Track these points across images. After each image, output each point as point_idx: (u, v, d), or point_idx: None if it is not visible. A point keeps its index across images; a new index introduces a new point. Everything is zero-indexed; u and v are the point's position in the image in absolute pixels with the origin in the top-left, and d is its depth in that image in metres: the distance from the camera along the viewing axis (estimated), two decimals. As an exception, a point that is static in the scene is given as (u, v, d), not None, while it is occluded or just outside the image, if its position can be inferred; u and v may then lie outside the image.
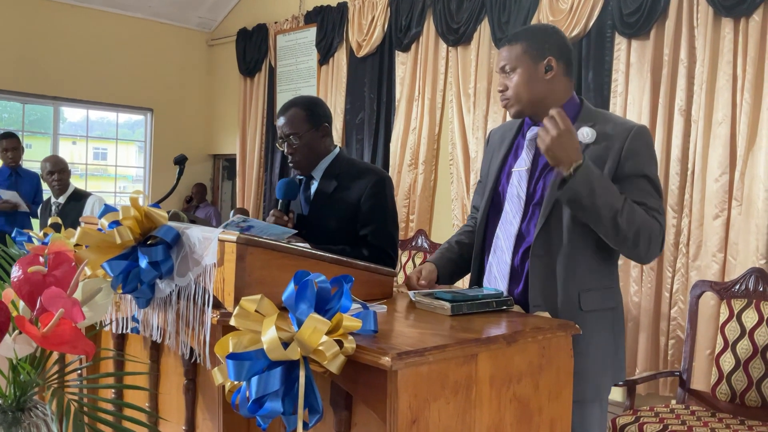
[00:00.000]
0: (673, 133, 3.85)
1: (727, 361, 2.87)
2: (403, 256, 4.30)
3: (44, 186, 4.95)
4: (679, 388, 3.09)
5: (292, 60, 6.50)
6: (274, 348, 1.15)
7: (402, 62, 5.48)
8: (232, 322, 1.22)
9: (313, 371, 1.19)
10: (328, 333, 1.18)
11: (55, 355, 1.26)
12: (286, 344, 1.16)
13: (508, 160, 2.01)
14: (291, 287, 1.22)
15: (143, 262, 1.50)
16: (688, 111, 3.81)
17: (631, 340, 3.90)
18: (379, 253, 2.22)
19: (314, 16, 6.24)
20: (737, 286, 2.96)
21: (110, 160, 7.85)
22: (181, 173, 2.28)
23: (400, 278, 4.05)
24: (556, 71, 1.89)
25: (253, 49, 6.91)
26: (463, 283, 2.51)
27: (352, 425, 1.34)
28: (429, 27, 5.26)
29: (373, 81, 5.70)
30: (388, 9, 5.54)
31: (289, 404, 1.17)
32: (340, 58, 6.00)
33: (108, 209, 1.60)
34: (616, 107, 4.10)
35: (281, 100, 6.44)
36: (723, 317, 2.96)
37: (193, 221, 1.95)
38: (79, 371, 1.56)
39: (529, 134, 1.96)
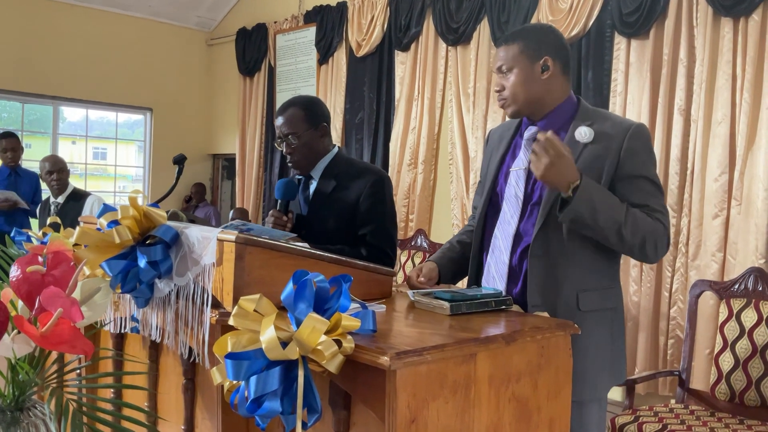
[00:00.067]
0: (672, 132, 3.85)
1: (727, 361, 2.87)
2: (403, 256, 4.30)
3: (43, 186, 4.95)
4: (678, 388, 3.09)
5: (292, 59, 6.50)
6: (272, 347, 1.15)
7: (401, 62, 5.48)
8: (231, 321, 1.22)
9: (311, 371, 1.19)
10: (327, 332, 1.17)
11: (53, 355, 1.26)
12: (284, 344, 1.16)
13: (506, 160, 2.01)
14: (290, 287, 1.22)
15: (142, 262, 1.50)
16: (688, 110, 3.81)
17: (630, 340, 3.90)
18: (377, 253, 2.22)
19: (314, 16, 6.24)
20: (736, 286, 2.97)
21: (110, 159, 7.85)
22: (180, 173, 2.28)
23: (400, 278, 4.05)
24: (552, 71, 1.89)
25: (253, 48, 6.91)
26: (463, 283, 2.51)
27: (350, 425, 1.34)
28: (428, 26, 5.26)
29: (372, 80, 5.70)
30: (388, 8, 5.54)
31: (288, 404, 1.17)
32: (340, 57, 6.00)
33: (107, 209, 1.60)
34: (615, 107, 4.10)
35: (281, 100, 6.44)
36: (722, 317, 2.96)
37: (192, 221, 1.95)
38: (78, 371, 1.55)
39: (527, 134, 1.96)
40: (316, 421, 1.21)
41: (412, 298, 1.67)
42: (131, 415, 1.46)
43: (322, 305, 1.21)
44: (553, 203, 1.81)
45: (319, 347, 1.16)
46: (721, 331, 2.94)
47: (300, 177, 2.40)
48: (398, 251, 4.14)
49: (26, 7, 6.43)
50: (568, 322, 1.56)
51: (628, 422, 2.72)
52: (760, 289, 2.89)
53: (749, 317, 2.86)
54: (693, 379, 3.30)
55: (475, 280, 2.04)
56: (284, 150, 2.33)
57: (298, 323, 1.18)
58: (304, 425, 1.18)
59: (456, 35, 5.01)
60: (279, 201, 2.30)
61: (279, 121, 2.33)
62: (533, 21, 4.46)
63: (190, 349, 1.52)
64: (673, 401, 3.13)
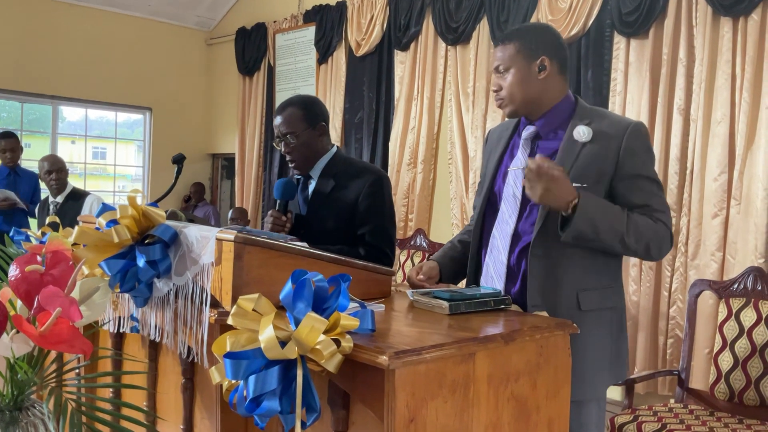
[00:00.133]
0: (671, 132, 3.85)
1: (726, 360, 2.87)
2: (402, 256, 4.30)
3: (42, 185, 4.95)
4: (677, 387, 3.09)
5: (291, 59, 6.50)
6: (271, 347, 1.15)
7: (401, 61, 5.47)
8: (230, 321, 1.22)
9: (310, 370, 1.19)
10: (326, 332, 1.17)
11: (52, 354, 1.26)
12: (283, 343, 1.16)
13: (504, 160, 2.01)
14: (288, 286, 1.22)
15: (141, 261, 1.50)
16: (687, 110, 3.81)
17: (629, 340, 3.87)
18: (376, 253, 2.22)
19: (313, 15, 6.23)
20: (736, 285, 2.97)
21: (109, 159, 7.85)
22: (179, 172, 2.27)
23: (399, 277, 4.05)
24: (549, 70, 1.89)
25: (252, 48, 6.91)
26: (463, 283, 2.51)
27: (349, 424, 1.34)
28: (428, 26, 5.26)
29: (372, 80, 5.70)
30: (387, 8, 5.53)
31: (287, 403, 1.17)
32: (339, 57, 5.99)
33: (106, 208, 1.60)
34: (614, 106, 4.10)
35: (280, 99, 6.43)
36: (721, 316, 2.96)
37: (191, 220, 1.95)
38: (76, 370, 1.55)
39: (524, 133, 1.96)
40: (314, 420, 1.20)
41: (411, 298, 1.67)
42: (130, 414, 1.46)
43: (321, 305, 1.21)
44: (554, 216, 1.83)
45: (317, 346, 1.16)
46: (720, 331, 2.94)
47: (299, 177, 2.40)
48: (397, 251, 4.14)
49: (25, 7, 6.43)
50: (567, 322, 1.56)
51: (627, 422, 2.72)
52: (760, 288, 2.89)
53: (748, 317, 2.86)
54: (692, 378, 3.30)
55: (474, 280, 2.04)
56: (283, 149, 2.33)
57: (297, 323, 1.18)
58: (303, 424, 1.18)
59: (455, 35, 5.01)
60: (278, 201, 2.30)
61: (278, 120, 2.33)
62: (533, 20, 4.46)
63: (189, 349, 1.52)
64: (672, 401, 3.13)
